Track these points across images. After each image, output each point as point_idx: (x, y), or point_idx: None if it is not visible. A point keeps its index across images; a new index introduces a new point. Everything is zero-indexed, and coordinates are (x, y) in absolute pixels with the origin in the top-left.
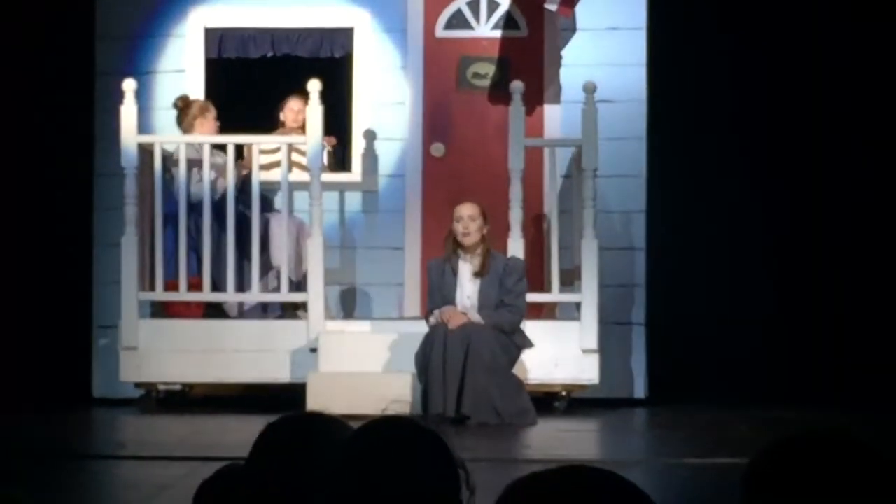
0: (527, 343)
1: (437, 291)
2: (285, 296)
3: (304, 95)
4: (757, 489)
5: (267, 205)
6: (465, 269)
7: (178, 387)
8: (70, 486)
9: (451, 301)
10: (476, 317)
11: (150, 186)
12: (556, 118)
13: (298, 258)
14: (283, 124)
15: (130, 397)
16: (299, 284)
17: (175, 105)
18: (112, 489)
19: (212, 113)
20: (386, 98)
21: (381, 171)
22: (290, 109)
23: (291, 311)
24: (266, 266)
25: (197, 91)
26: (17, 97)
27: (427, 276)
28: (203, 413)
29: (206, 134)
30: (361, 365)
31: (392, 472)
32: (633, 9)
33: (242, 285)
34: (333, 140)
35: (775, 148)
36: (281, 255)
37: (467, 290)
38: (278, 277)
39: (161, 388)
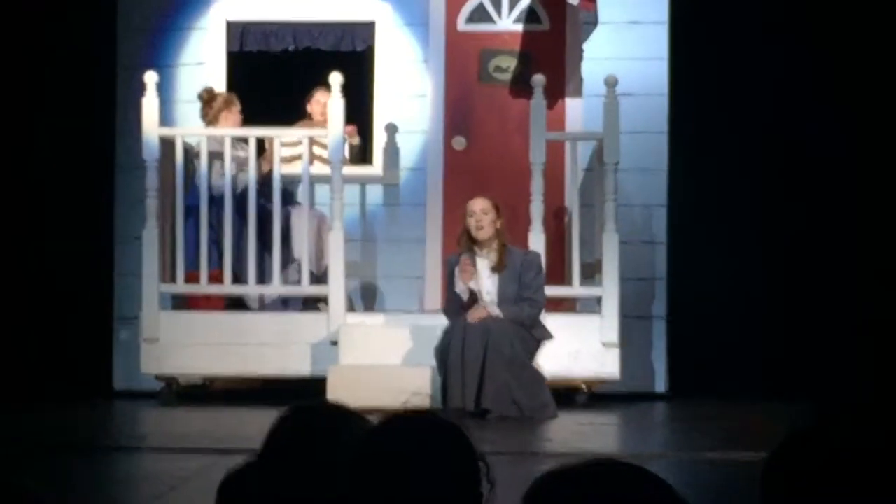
0: (546, 335)
1: (453, 291)
2: (306, 289)
3: (329, 88)
4: (777, 483)
5: (288, 198)
6: (483, 265)
7: (198, 380)
8: (90, 477)
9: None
10: (495, 311)
11: (172, 179)
12: (578, 112)
13: (319, 252)
14: (310, 116)
15: (151, 390)
16: (320, 278)
17: (200, 97)
18: (132, 481)
19: (237, 106)
20: (407, 91)
21: (402, 165)
22: (318, 102)
23: (312, 304)
24: (287, 259)
25: (218, 84)
26: (39, 90)
27: (446, 272)
28: (223, 406)
29: (230, 127)
30: (382, 358)
31: (413, 465)
32: (654, 2)
33: (263, 278)
34: (354, 131)
35: (797, 142)
36: (302, 248)
37: (486, 285)
38: (299, 270)
39: (181, 380)
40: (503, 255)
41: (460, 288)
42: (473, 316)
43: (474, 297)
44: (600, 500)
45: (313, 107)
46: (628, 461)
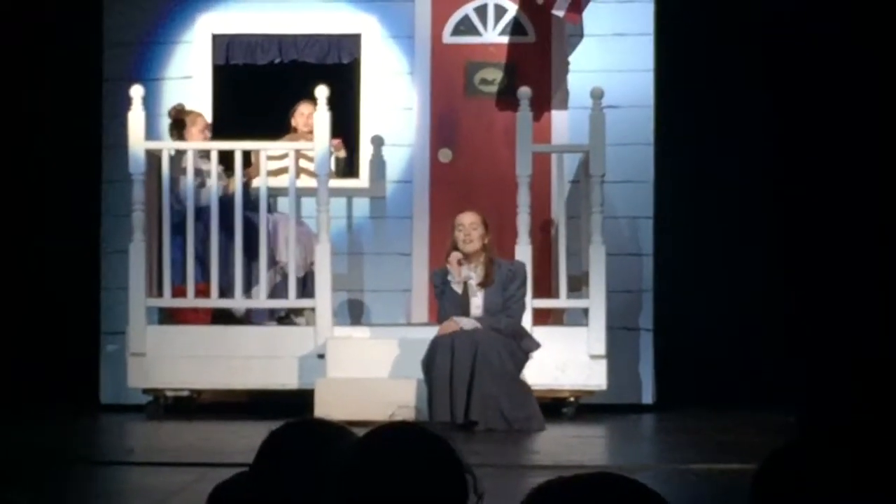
0: (534, 346)
1: (447, 299)
2: (293, 302)
3: (315, 100)
4: (766, 494)
5: (271, 206)
6: (470, 281)
7: (185, 393)
8: (78, 492)
9: (458, 312)
10: (468, 323)
11: (158, 193)
12: (564, 124)
13: (305, 254)
14: (294, 129)
15: (138, 403)
16: (305, 281)
17: (169, 114)
18: (120, 495)
19: (197, 126)
20: (393, 104)
21: (388, 177)
22: (301, 115)
23: (294, 315)
24: (270, 261)
25: (204, 97)
26: (24, 103)
27: (433, 286)
28: (211, 419)
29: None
30: (369, 371)
31: (399, 478)
32: (640, 15)
33: (250, 286)
34: (341, 144)
35: (782, 153)
36: (286, 251)
37: (473, 299)
38: (282, 273)
39: (169, 394)
40: (490, 269)
41: (456, 281)
42: (445, 329)
43: (466, 295)
44: None
45: (297, 119)
46: (618, 473)
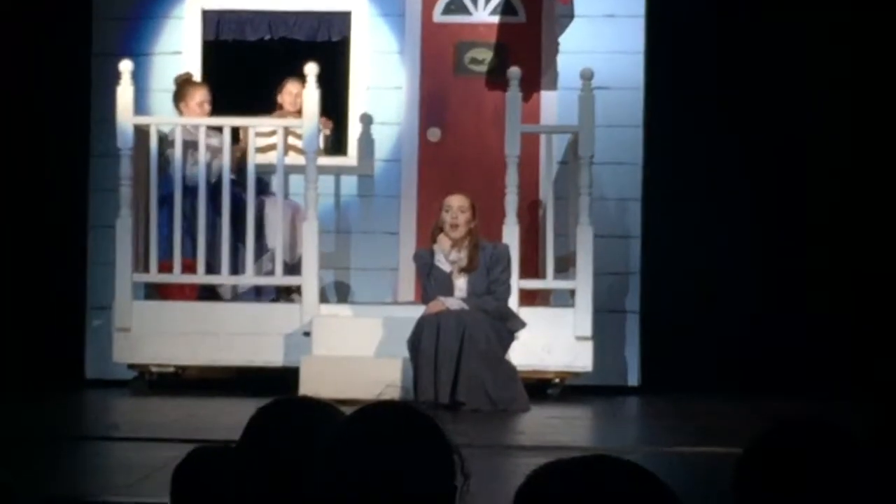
0: (519, 325)
1: (433, 278)
2: (280, 279)
3: (302, 79)
4: (750, 478)
5: (262, 187)
6: (454, 266)
7: (171, 369)
8: (62, 467)
9: (444, 292)
10: (454, 304)
11: (146, 168)
12: (553, 105)
13: (293, 241)
14: (280, 107)
15: (123, 379)
16: (294, 268)
17: (174, 82)
18: (104, 470)
19: (195, 99)
20: (383, 82)
21: (377, 156)
22: (289, 93)
23: (285, 295)
24: (261, 249)
25: (194, 73)
26: (12, 77)
27: (417, 265)
28: (196, 395)
29: (189, 115)
30: (355, 349)
31: (387, 457)
32: None
33: (237, 268)
34: (330, 123)
35: (772, 137)
36: (276, 238)
37: (457, 283)
38: (273, 261)
39: (154, 369)
40: (475, 255)
41: (449, 260)
42: (431, 309)
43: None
44: (595, 496)
45: (284, 97)
46: (615, 456)
